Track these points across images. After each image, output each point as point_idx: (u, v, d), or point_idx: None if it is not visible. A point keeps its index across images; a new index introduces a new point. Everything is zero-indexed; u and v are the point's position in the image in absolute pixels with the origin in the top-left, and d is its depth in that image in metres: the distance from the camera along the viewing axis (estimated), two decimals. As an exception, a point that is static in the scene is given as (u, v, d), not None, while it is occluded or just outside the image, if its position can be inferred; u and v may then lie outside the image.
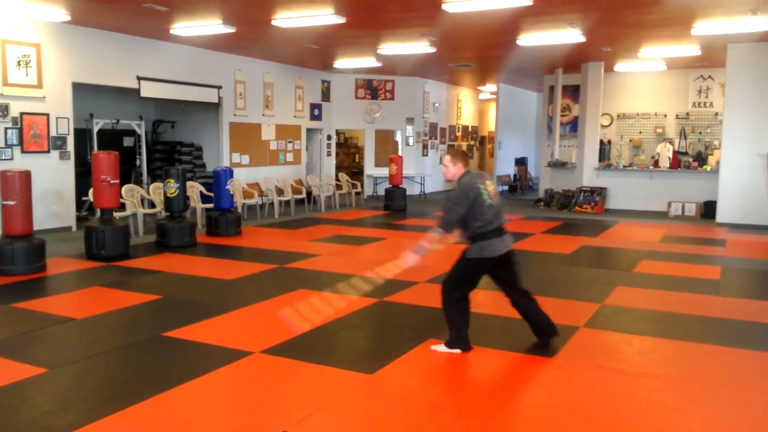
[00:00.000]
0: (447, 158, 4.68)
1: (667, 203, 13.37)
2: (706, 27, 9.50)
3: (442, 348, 4.61)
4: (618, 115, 15.56)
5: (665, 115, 15.09)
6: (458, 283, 4.64)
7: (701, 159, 13.93)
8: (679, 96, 14.90)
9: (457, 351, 4.55)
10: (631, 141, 15.47)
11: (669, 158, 13.87)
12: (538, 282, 6.90)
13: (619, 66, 14.17)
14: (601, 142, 14.80)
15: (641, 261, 8.17)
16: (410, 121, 17.14)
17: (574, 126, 15.53)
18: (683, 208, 13.19)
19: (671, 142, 14.43)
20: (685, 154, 14.55)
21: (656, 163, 14.00)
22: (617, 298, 6.20)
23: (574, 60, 13.55)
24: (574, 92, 15.47)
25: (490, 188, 4.62)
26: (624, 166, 14.20)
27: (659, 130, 15.12)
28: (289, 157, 14.90)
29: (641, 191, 13.81)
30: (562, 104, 15.53)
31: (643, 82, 15.23)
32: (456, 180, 4.63)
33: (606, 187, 13.97)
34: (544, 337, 4.74)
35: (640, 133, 15.40)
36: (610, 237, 10.35)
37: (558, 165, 15.08)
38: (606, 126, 15.46)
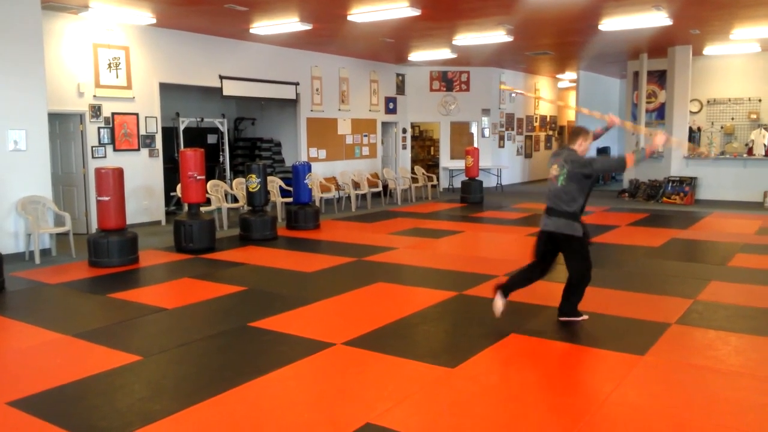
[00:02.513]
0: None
1: (763, 193, 12.58)
2: (809, 3, 8.86)
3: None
4: (708, 101, 14.77)
5: (760, 100, 14.18)
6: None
7: (801, 145, 13.04)
8: (775, 79, 13.98)
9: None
10: (722, 128, 14.64)
11: (765, 145, 13.05)
12: (625, 276, 6.68)
13: (709, 49, 13.43)
14: (690, 129, 14.10)
15: (736, 254, 7.72)
16: (486, 112, 16.90)
17: (660, 113, 14.85)
18: (781, 198, 12.38)
19: (767, 129, 13.56)
20: (783, 140, 13.65)
21: (750, 151, 13.19)
22: (711, 294, 5.88)
23: (659, 44, 12.95)
24: (660, 78, 14.79)
25: (552, 171, 4.95)
26: (716, 155, 13.47)
27: (753, 116, 14.22)
28: (365, 150, 15.00)
29: (734, 181, 13.06)
30: (647, 90, 14.86)
31: (735, 65, 14.37)
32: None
33: (696, 176, 13.30)
34: None
35: (733, 119, 14.55)
36: (702, 229, 9.84)
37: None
38: (695, 112, 14.70)
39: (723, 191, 13.17)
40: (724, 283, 6.32)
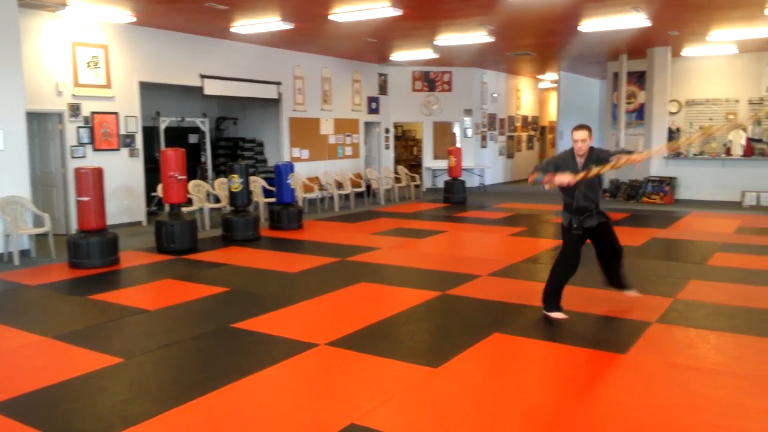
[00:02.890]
0: (585, 133, 4.94)
1: (741, 193, 12.79)
2: (784, 6, 9.01)
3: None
4: (687, 102, 14.96)
5: (737, 101, 14.39)
6: None
7: (777, 146, 13.25)
8: (751, 80, 14.18)
9: None
10: (701, 128, 14.83)
11: (742, 146, 13.23)
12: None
13: (687, 50, 13.61)
14: (670, 129, 14.26)
15: (715, 253, 7.83)
16: (468, 112, 16.96)
17: (640, 114, 15.02)
18: (758, 197, 12.58)
19: (744, 129, 13.76)
20: (760, 141, 13.83)
21: (728, 151, 13.38)
22: (691, 292, 5.96)
23: (639, 45, 13.10)
24: (639, 79, 14.96)
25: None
26: (694, 155, 13.65)
27: (731, 117, 14.43)
28: (348, 150, 14.99)
29: (713, 180, 13.25)
30: (627, 91, 15.02)
31: (713, 66, 14.57)
32: (588, 149, 4.98)
33: (675, 176, 13.46)
34: None
35: (711, 119, 14.74)
36: (681, 228, 9.97)
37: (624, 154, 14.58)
38: (674, 113, 14.89)
39: (702, 191, 13.35)
40: (703, 282, 6.40)
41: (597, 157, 4.94)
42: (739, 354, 4.41)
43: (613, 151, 5.12)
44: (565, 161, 5.01)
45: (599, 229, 5.16)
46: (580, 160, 4.99)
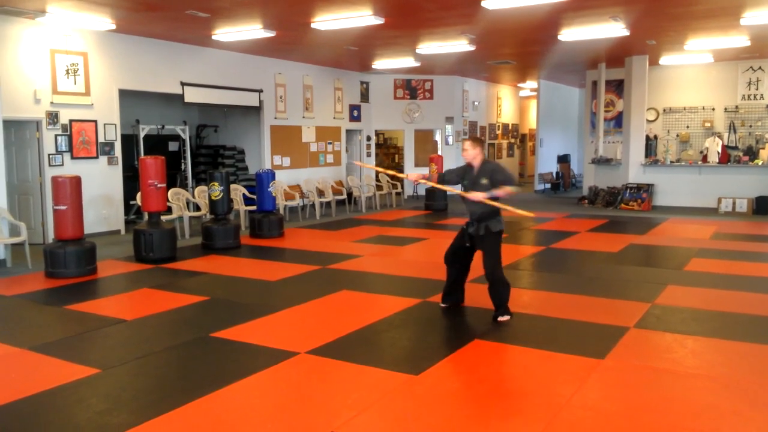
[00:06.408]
0: (468, 143, 5.44)
1: (717, 199, 12.98)
2: (756, 17, 9.18)
3: (505, 317, 5.30)
4: (664, 110, 15.19)
5: (713, 109, 14.65)
6: (500, 256, 5.33)
7: (752, 153, 13.48)
8: (727, 88, 14.45)
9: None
10: (678, 136, 15.07)
11: (718, 153, 13.46)
12: (585, 281, 6.80)
13: (665, 59, 13.82)
14: (647, 137, 14.46)
15: (692, 259, 7.94)
16: (450, 120, 17.05)
17: (618, 121, 15.22)
18: (734, 204, 12.78)
19: (720, 136, 14.00)
20: (735, 148, 14.10)
21: (705, 158, 13.59)
22: (668, 298, 6.03)
23: (617, 54, 13.28)
24: (617, 87, 15.16)
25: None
26: (671, 162, 13.85)
27: (707, 124, 14.69)
28: (329, 158, 14.98)
29: (690, 187, 13.44)
30: (605, 99, 15.22)
31: (690, 75, 14.82)
32: (479, 161, 5.43)
33: (653, 183, 13.64)
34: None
35: (688, 127, 14.99)
36: (659, 234, 10.10)
37: (602, 162, 14.79)
38: (652, 121, 15.10)
39: (679, 197, 13.54)
40: (680, 287, 6.49)
41: (492, 171, 5.36)
42: (715, 358, 4.48)
43: (500, 179, 5.29)
44: (464, 170, 5.54)
45: (475, 240, 5.39)
46: (475, 170, 5.43)
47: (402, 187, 16.24)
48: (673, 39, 11.44)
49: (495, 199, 5.20)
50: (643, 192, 13.55)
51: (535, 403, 3.72)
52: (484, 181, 5.27)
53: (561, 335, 4.96)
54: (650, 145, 14.63)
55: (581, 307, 5.72)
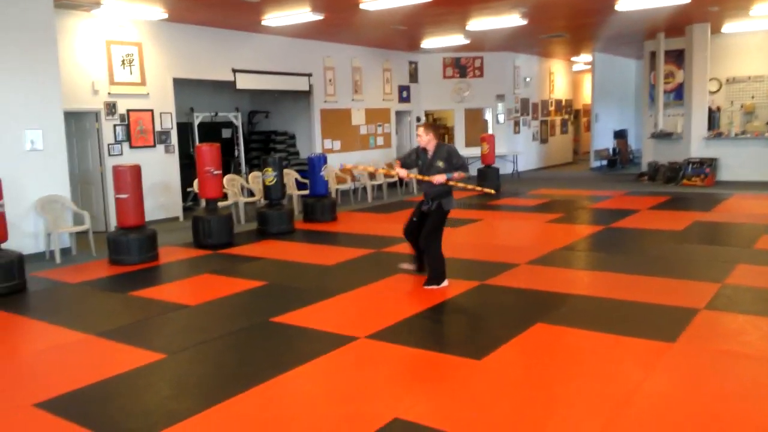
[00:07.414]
0: (421, 129, 5.78)
1: (787, 172, 12.34)
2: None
3: (432, 286, 5.67)
4: (727, 80, 14.48)
5: (781, 77, 13.89)
6: (440, 232, 5.78)
7: (825, 122, 12.75)
8: (797, 55, 13.67)
9: (445, 283, 5.69)
10: (742, 106, 14.36)
11: (787, 123, 12.78)
12: (649, 261, 6.57)
13: (728, 26, 13.14)
14: (710, 109, 13.84)
15: (762, 236, 7.57)
16: (500, 98, 16.71)
17: (678, 93, 14.60)
18: (805, 176, 12.13)
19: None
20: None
21: (772, 130, 12.94)
22: (739, 277, 5.76)
23: (677, 23, 12.69)
24: (677, 57, 14.52)
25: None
26: (736, 134, 13.22)
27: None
28: (380, 140, 14.92)
29: (756, 161, 12.80)
30: (665, 71, 14.59)
31: (755, 42, 14.05)
32: (433, 145, 5.80)
33: (716, 157, 13.06)
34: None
35: (753, 97, 14.26)
36: (725, 211, 9.67)
37: (662, 136, 14.24)
38: (714, 92, 14.43)
39: (744, 172, 12.92)
40: (751, 266, 6.19)
41: (447, 153, 5.73)
42: (795, 341, 4.24)
43: (457, 163, 5.73)
44: (417, 152, 5.91)
45: (425, 215, 5.87)
46: (429, 154, 5.79)
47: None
48: (738, 5, 10.85)
49: (449, 179, 5.64)
50: (706, 167, 13.00)
51: (603, 389, 3.59)
52: (440, 164, 5.70)
53: (628, 318, 4.79)
54: (713, 117, 14.00)
55: (647, 289, 5.51)
